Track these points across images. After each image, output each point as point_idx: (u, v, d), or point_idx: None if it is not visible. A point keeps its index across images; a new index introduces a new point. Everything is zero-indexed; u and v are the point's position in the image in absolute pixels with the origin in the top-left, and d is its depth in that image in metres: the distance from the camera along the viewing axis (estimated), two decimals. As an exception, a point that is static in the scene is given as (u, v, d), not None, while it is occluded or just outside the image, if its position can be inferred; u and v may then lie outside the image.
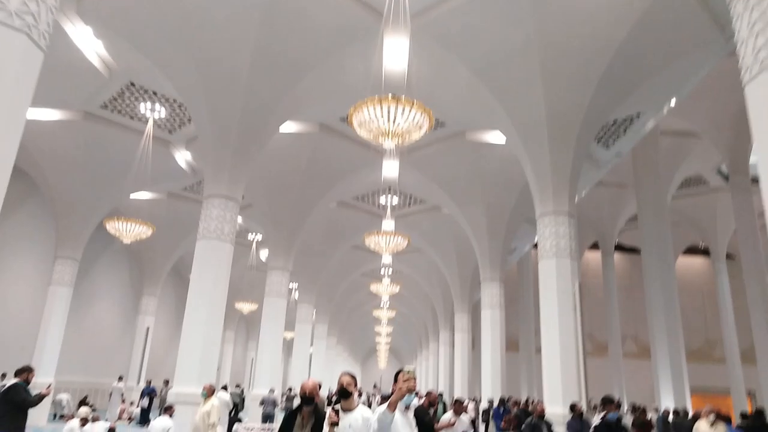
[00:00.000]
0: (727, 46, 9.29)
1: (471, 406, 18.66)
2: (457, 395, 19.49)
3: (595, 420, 7.58)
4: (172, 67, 10.43)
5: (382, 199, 18.48)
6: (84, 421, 10.13)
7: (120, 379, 19.48)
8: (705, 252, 31.24)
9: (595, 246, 28.48)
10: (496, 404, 13.82)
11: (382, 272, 26.62)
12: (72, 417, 12.95)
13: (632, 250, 31.38)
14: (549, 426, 8.11)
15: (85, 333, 21.43)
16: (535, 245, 26.05)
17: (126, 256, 24.13)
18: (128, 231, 13.86)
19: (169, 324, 26.02)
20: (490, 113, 10.68)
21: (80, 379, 20.77)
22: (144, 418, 17.20)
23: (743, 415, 12.93)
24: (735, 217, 17.78)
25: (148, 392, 17.95)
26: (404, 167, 14.89)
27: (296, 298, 23.98)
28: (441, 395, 14.49)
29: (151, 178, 15.49)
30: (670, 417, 13.97)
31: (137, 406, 18.23)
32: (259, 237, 22.80)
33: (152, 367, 22.16)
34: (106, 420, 16.47)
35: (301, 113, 12.04)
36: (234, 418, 14.35)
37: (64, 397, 17.76)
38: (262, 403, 14.64)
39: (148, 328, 21.90)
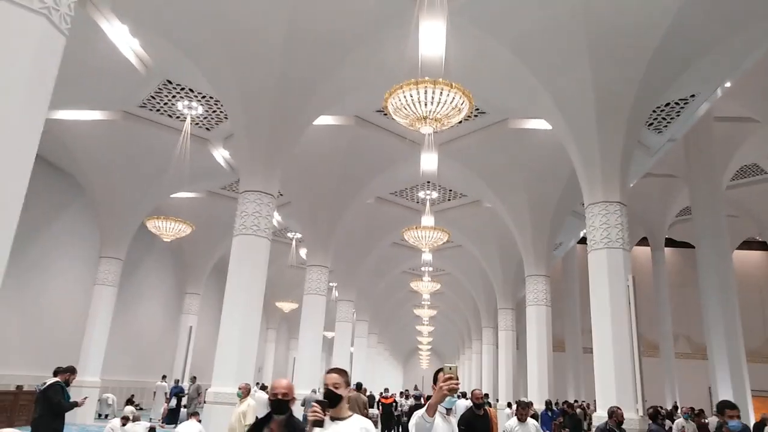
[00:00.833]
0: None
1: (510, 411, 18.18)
2: (504, 397, 18.91)
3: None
4: (206, 60, 10.32)
5: (421, 194, 18.07)
6: (125, 420, 10.15)
7: (163, 378, 19.69)
8: (762, 245, 29.64)
9: (643, 241, 27.37)
10: (543, 407, 13.14)
11: (422, 269, 26.19)
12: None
13: (684, 245, 30.03)
14: None
15: (130, 332, 21.79)
16: (581, 240, 25.52)
17: (169, 255, 24.48)
18: (168, 229, 13.90)
19: (212, 323, 26.25)
20: (534, 98, 10.14)
21: (125, 378, 21.12)
22: (172, 419, 16.85)
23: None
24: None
25: (176, 392, 17.57)
26: (443, 159, 14.43)
27: (336, 296, 23.83)
28: (486, 395, 14.05)
29: (190, 176, 15.52)
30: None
31: (166, 406, 17.74)
32: (299, 235, 22.74)
33: (196, 366, 22.36)
34: (150, 419, 16.72)
35: (336, 105, 11.76)
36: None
37: (109, 396, 18.03)
38: (304, 404, 14.42)
39: (191, 327, 22.10)
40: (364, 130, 13.59)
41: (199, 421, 8.38)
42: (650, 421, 7.41)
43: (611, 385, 8.24)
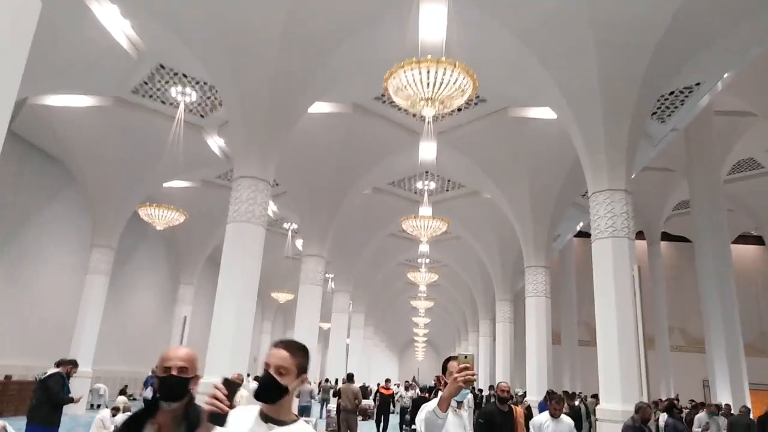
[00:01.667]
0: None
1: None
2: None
3: None
4: (199, 43, 10.01)
5: (419, 184, 17.81)
6: (116, 411, 9.91)
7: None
8: (758, 239, 29.60)
9: (639, 235, 27.26)
10: (541, 398, 13.00)
11: (419, 261, 25.97)
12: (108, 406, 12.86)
13: (680, 239, 30.03)
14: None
15: (124, 322, 21.52)
16: (577, 234, 25.39)
17: (163, 245, 24.18)
18: (160, 217, 13.62)
19: (206, 313, 25.85)
20: (537, 85, 9.89)
21: (118, 368, 20.86)
22: None
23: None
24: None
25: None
26: (442, 149, 14.17)
27: (332, 287, 23.62)
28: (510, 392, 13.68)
29: (184, 164, 15.17)
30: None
31: (140, 396, 16.72)
32: (295, 226, 22.48)
33: (190, 356, 22.12)
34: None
35: (334, 91, 11.48)
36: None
37: (101, 386, 17.78)
38: (298, 395, 14.26)
39: (185, 318, 21.83)
40: (363, 118, 13.31)
41: None
42: (666, 415, 7.17)
43: (615, 377, 8.03)
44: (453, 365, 2.81)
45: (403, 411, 17.16)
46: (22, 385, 15.09)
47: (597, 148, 9.22)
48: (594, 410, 10.19)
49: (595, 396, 11.06)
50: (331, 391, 16.49)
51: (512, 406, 5.40)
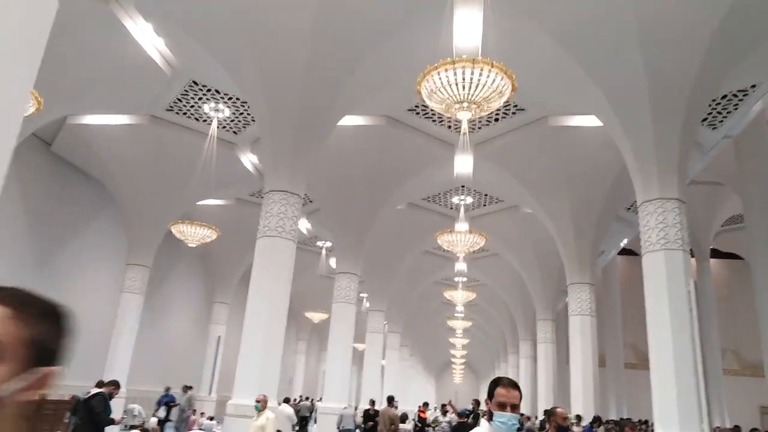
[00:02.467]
0: None
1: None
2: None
3: None
4: (229, 56, 9.93)
5: (455, 199, 17.32)
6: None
7: (189, 388, 19.25)
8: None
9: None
10: (586, 423, 12.16)
11: (455, 279, 25.33)
12: (143, 426, 12.65)
13: (731, 256, 28.55)
14: None
15: (158, 341, 21.51)
16: (621, 252, 24.36)
17: (198, 264, 24.25)
18: (193, 235, 13.52)
19: (241, 333, 25.87)
20: (579, 90, 9.38)
21: (152, 388, 20.79)
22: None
23: None
24: None
25: (166, 401, 16.05)
26: (478, 161, 13.69)
27: (367, 307, 23.21)
28: (579, 417, 12.61)
29: (217, 182, 15.15)
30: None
31: (153, 416, 16.12)
32: (329, 244, 22.24)
33: (224, 376, 21.94)
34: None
35: (366, 103, 11.20)
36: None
37: (135, 407, 17.65)
38: (340, 421, 13.41)
39: (219, 337, 21.74)
40: (396, 131, 12.99)
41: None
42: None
43: (672, 402, 7.33)
44: (500, 392, 2.41)
45: None
46: (57, 405, 15.07)
47: (646, 154, 8.63)
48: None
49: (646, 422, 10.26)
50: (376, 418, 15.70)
51: None
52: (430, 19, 8.80)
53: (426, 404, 18.18)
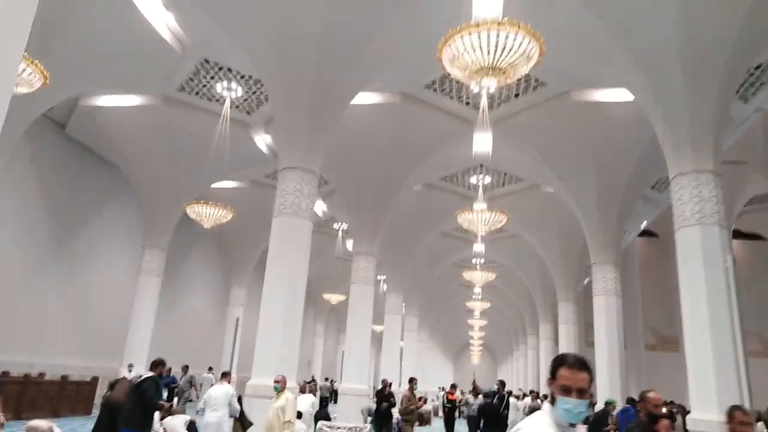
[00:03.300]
0: None
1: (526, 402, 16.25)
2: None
3: None
4: (241, 31, 9.60)
5: (473, 179, 16.91)
6: (166, 413, 9.57)
7: (210, 370, 19.30)
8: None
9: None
10: (619, 407, 11.34)
11: (473, 261, 24.99)
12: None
13: (753, 236, 27.83)
14: None
15: (177, 323, 21.57)
16: (641, 233, 23.76)
17: (215, 246, 24.22)
18: (208, 215, 13.34)
19: (258, 315, 25.89)
20: (605, 58, 8.90)
21: (172, 369, 20.87)
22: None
23: None
24: None
25: (167, 382, 15.75)
26: (498, 139, 13.23)
27: (385, 288, 23.02)
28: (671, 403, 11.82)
29: (231, 163, 14.92)
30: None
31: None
32: (345, 226, 22.01)
33: (243, 357, 21.97)
34: (197, 412, 16.20)
35: (381, 78, 10.82)
36: (322, 413, 13.06)
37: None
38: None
39: (237, 319, 21.73)
40: (412, 108, 12.59)
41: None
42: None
43: (711, 383, 7.00)
44: (564, 373, 2.05)
45: (470, 420, 14.16)
46: (78, 385, 15.16)
47: (679, 125, 8.16)
48: (682, 419, 9.08)
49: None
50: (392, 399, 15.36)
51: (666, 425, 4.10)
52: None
53: (454, 386, 17.99)
